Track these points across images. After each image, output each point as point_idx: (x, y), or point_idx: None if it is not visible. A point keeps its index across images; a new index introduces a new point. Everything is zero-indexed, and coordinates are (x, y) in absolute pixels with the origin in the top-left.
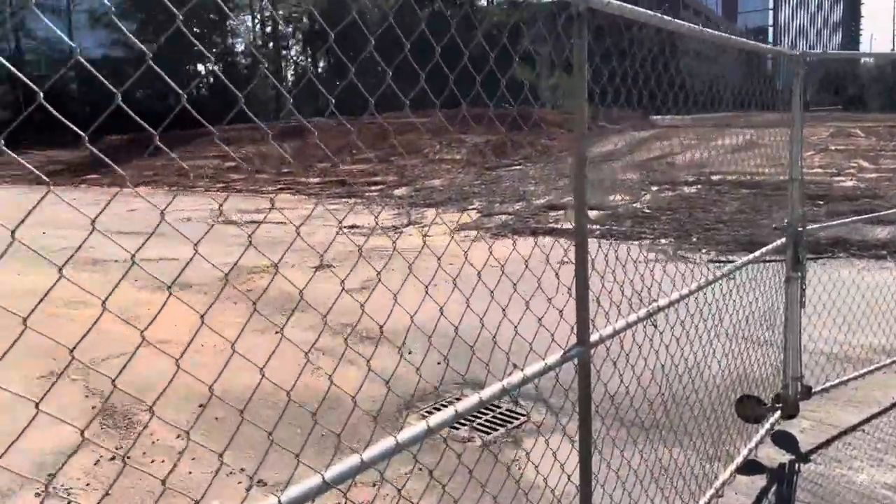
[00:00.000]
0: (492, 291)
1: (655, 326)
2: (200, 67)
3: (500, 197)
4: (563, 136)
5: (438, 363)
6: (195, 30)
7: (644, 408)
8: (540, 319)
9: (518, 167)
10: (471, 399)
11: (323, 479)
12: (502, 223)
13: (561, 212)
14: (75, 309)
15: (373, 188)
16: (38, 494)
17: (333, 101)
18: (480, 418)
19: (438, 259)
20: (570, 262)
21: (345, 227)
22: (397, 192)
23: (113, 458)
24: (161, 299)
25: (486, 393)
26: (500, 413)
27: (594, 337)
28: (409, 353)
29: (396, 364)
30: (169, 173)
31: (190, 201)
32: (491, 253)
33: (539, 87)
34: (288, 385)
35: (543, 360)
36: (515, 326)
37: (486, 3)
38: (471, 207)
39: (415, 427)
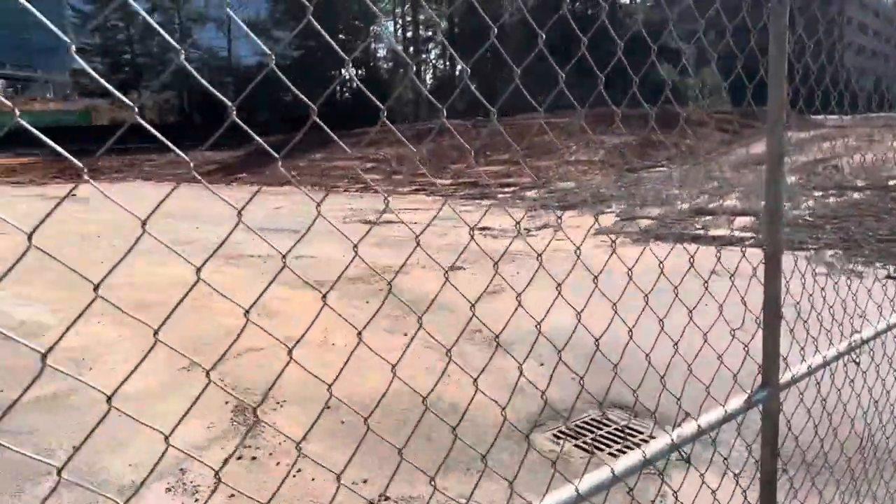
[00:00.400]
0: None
1: (857, 364)
2: (344, 72)
3: (641, 200)
4: (710, 136)
5: (572, 378)
6: (341, 36)
7: (841, 465)
8: (713, 349)
9: (661, 169)
10: (632, 456)
11: None
12: (643, 228)
13: (709, 217)
14: (217, 303)
15: (506, 189)
16: (168, 489)
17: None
18: (617, 445)
19: (579, 263)
20: (720, 274)
21: (476, 228)
22: (530, 193)
23: (240, 458)
24: (297, 295)
25: (651, 450)
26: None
27: (785, 377)
28: (541, 364)
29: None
30: (312, 173)
31: (330, 201)
32: (634, 261)
33: (683, 84)
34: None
35: (722, 405)
36: (673, 345)
37: (628, 1)
38: (608, 210)
39: (598, 474)
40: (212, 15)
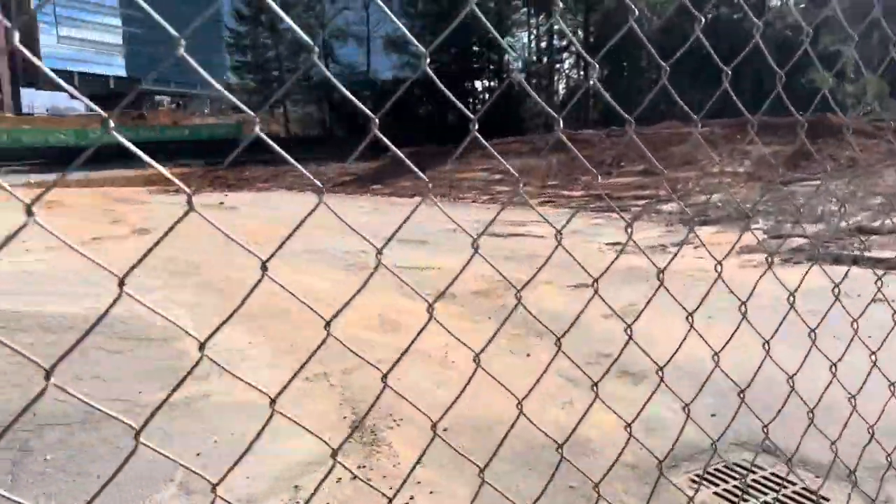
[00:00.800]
0: (812, 333)
1: None
2: (478, 84)
3: (793, 216)
4: (873, 147)
5: (713, 415)
6: (474, 48)
7: None
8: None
9: (815, 182)
10: None
11: None
12: (796, 247)
13: (874, 237)
14: (343, 312)
15: (639, 202)
16: None
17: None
18: (765, 496)
19: (721, 284)
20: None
21: (606, 243)
22: (667, 207)
23: (354, 478)
24: (421, 308)
25: None
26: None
27: None
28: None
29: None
30: (441, 184)
31: (457, 212)
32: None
33: (840, 91)
34: (538, 416)
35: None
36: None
37: (778, 3)
38: (755, 227)
39: None
40: (352, 32)
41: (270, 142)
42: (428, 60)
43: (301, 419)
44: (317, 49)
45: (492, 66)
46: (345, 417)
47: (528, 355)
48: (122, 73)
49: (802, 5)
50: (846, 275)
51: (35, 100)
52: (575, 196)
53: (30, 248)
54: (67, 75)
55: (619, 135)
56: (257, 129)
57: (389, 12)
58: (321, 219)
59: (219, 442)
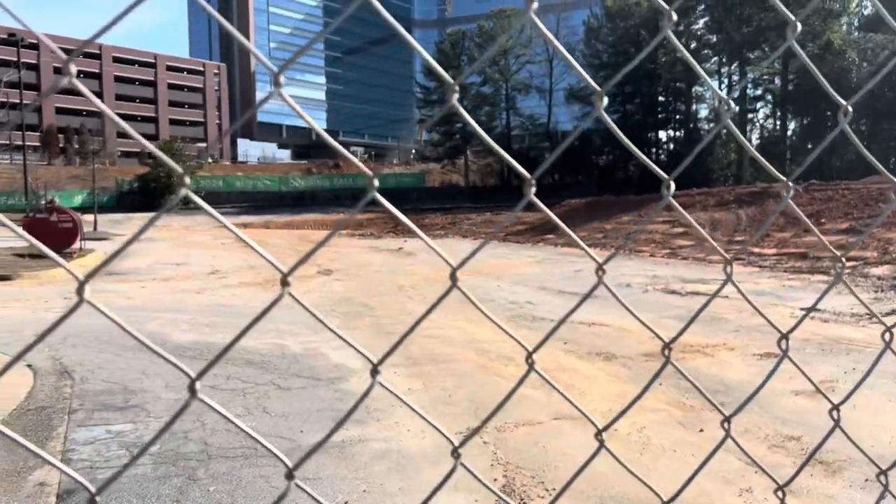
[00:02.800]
0: None
1: None
2: (662, 134)
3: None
4: None
5: None
6: (660, 98)
7: None
8: None
9: None
10: None
11: None
12: None
13: None
14: (505, 365)
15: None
16: None
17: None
18: None
19: None
20: None
21: (802, 308)
22: (876, 270)
23: None
24: (587, 367)
25: None
26: None
27: None
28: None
29: None
30: (618, 236)
31: (633, 265)
32: None
33: None
34: (711, 502)
35: None
36: None
37: None
38: None
39: None
40: (535, 84)
41: (388, 204)
42: (605, 101)
43: (453, 477)
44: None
45: (678, 117)
46: (495, 480)
47: (702, 430)
48: (324, 125)
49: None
50: None
51: (249, 149)
52: (767, 253)
53: (227, 284)
54: (277, 128)
55: (820, 189)
56: (375, 185)
57: (573, 62)
58: (490, 268)
59: (367, 492)
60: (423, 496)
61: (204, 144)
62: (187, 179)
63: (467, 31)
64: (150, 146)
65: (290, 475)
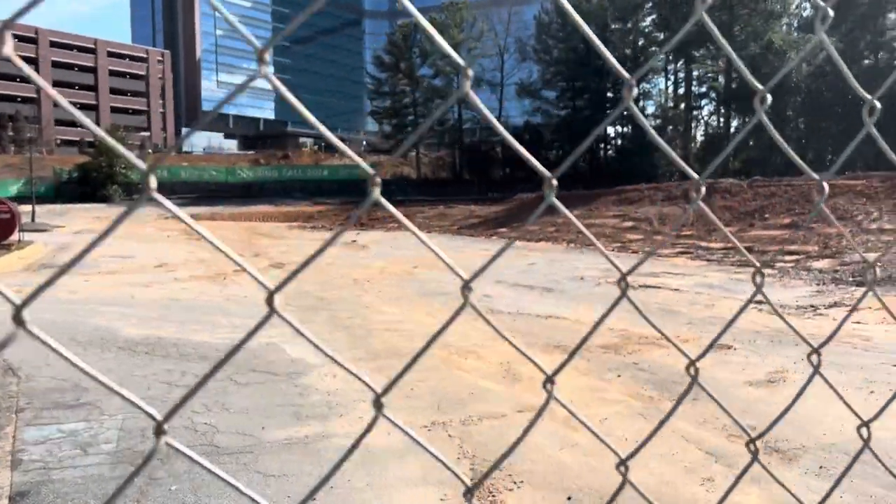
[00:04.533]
0: None
1: None
2: (610, 129)
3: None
4: None
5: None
6: (608, 94)
7: None
8: None
9: None
10: None
11: None
12: None
13: None
14: (465, 359)
15: (787, 258)
16: None
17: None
18: None
19: (884, 356)
20: None
21: (754, 301)
22: (817, 264)
23: None
24: (546, 360)
25: None
26: None
27: None
28: (841, 494)
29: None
30: (569, 230)
31: (586, 259)
32: None
33: None
34: (675, 491)
35: None
36: None
37: None
38: None
39: None
40: (486, 79)
41: (392, 208)
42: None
43: (416, 472)
44: (470, 73)
45: (626, 113)
46: (463, 474)
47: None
48: (271, 115)
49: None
50: None
51: (194, 139)
52: (714, 247)
53: (177, 277)
54: (224, 117)
55: (763, 185)
56: (377, 191)
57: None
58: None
59: (335, 488)
60: (392, 491)
61: (148, 133)
62: (153, 182)
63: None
64: (106, 136)
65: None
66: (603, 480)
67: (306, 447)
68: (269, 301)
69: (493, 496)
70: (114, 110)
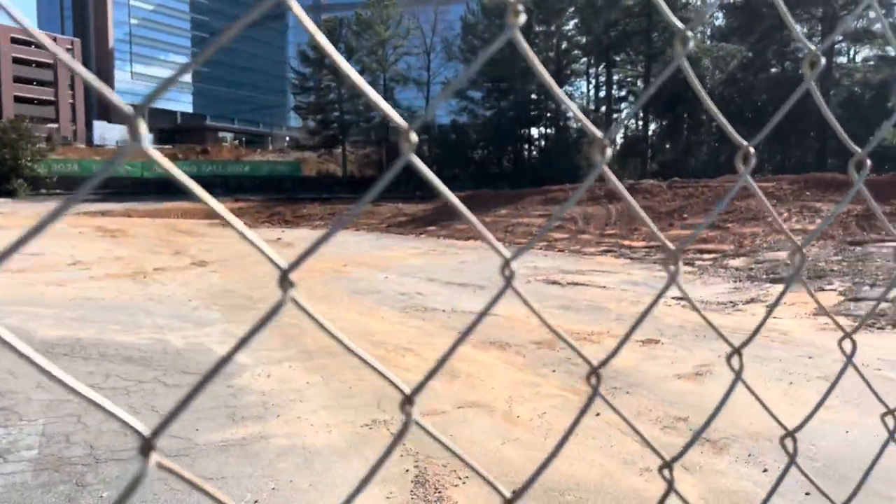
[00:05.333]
0: None
1: None
2: (534, 131)
3: (871, 279)
4: None
5: (807, 493)
6: (533, 96)
7: None
8: None
9: (892, 243)
10: None
11: None
12: (879, 312)
13: None
14: (402, 356)
15: (705, 256)
16: None
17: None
18: None
19: (796, 347)
20: None
21: (673, 297)
22: (734, 262)
23: None
24: (483, 356)
25: None
26: None
27: None
28: (764, 471)
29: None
30: (497, 229)
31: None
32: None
33: None
34: (616, 483)
35: None
36: None
37: (846, 61)
38: (829, 288)
39: None
40: (413, 76)
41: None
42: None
43: (360, 470)
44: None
45: (549, 115)
46: (407, 471)
47: (598, 414)
48: (190, 109)
49: (872, 63)
50: None
51: (107, 132)
52: (636, 246)
53: (93, 275)
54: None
55: (682, 186)
56: (413, 140)
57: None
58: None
59: (277, 490)
60: (336, 491)
61: (56, 125)
62: (143, 128)
63: (344, 18)
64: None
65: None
66: (547, 473)
67: (244, 449)
68: (283, 282)
69: (440, 492)
70: (17, 100)
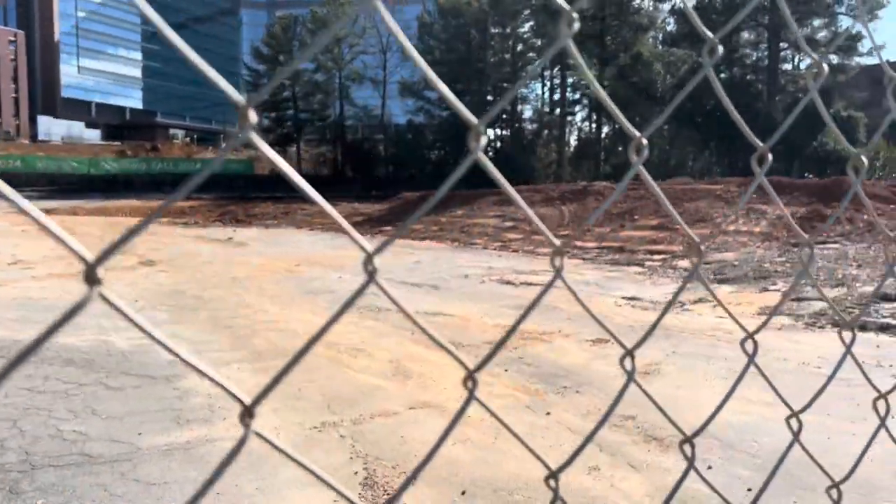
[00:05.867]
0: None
1: None
2: (490, 132)
3: (811, 279)
4: (891, 211)
5: (749, 489)
6: (489, 98)
7: None
8: None
9: (834, 245)
10: None
11: None
12: (818, 311)
13: None
14: (354, 357)
15: (653, 257)
16: None
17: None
18: None
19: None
20: None
21: (623, 297)
22: (682, 263)
23: None
24: (435, 357)
25: None
26: None
27: None
28: (709, 468)
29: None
30: (453, 229)
31: (468, 257)
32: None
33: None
34: (563, 482)
35: None
36: None
37: (791, 68)
38: (773, 288)
39: None
40: (369, 75)
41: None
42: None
43: (308, 473)
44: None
45: (504, 116)
46: (356, 473)
47: (549, 413)
48: (139, 105)
49: (816, 70)
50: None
51: (52, 127)
52: (588, 246)
53: (35, 275)
54: (85, 105)
55: (633, 188)
56: (478, 149)
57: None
58: (329, 259)
59: (222, 494)
60: (283, 494)
61: None
62: (253, 117)
63: (299, 16)
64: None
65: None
66: (495, 473)
67: (188, 453)
68: (368, 266)
69: (389, 494)
70: None
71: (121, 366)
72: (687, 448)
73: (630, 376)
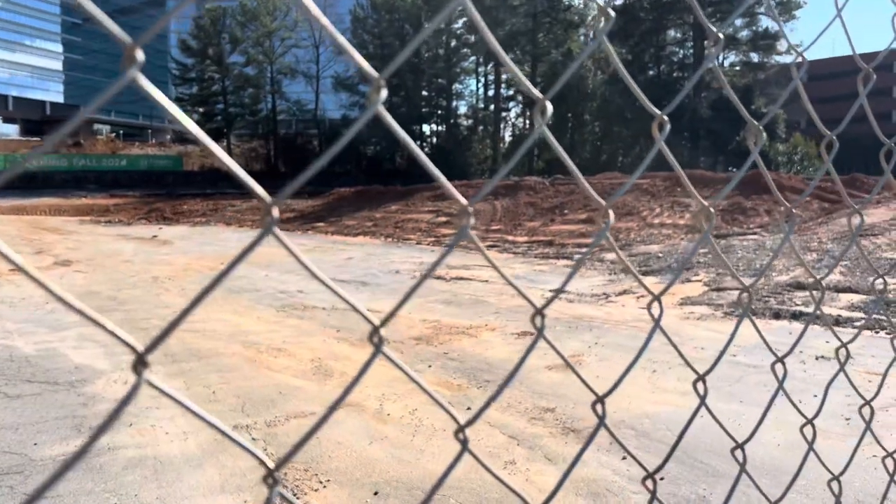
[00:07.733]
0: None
1: None
2: (426, 128)
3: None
4: (807, 203)
5: (661, 479)
6: (424, 93)
7: None
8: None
9: (753, 237)
10: None
11: None
12: (736, 300)
13: (810, 292)
14: (275, 357)
15: (581, 250)
16: None
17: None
18: None
19: (662, 335)
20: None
21: (551, 290)
22: (609, 255)
23: None
24: (360, 354)
25: None
26: None
27: None
28: (623, 458)
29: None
30: (387, 225)
31: (401, 253)
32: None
33: (772, 150)
34: (480, 477)
35: None
36: None
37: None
38: (695, 279)
39: None
40: (301, 69)
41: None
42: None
43: (215, 479)
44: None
45: (440, 112)
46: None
47: (469, 408)
48: (61, 99)
49: (738, 68)
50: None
51: None
52: (519, 241)
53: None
54: (2, 99)
55: (564, 183)
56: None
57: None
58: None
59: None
60: (187, 503)
61: None
62: None
63: (228, 8)
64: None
65: None
66: (410, 472)
67: (87, 462)
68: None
69: (299, 497)
70: None
71: (22, 372)
72: (599, 407)
73: (540, 332)
